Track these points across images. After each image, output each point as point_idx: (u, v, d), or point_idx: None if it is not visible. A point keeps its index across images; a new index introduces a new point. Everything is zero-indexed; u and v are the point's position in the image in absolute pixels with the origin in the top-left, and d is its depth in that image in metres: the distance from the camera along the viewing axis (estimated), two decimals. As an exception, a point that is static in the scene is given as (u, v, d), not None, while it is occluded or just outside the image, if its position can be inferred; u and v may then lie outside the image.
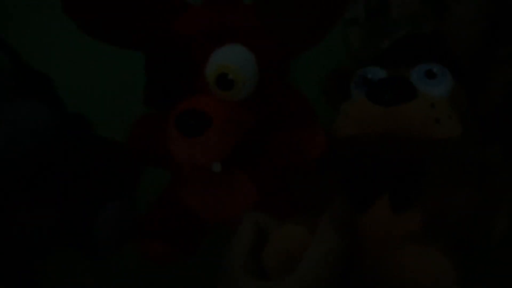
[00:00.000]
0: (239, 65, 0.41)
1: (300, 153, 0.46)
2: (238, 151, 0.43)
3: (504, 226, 0.40)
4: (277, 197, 0.46)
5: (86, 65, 0.49)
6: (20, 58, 0.43)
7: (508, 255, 0.46)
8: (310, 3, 0.42)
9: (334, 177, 0.45)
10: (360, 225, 0.41)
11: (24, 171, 0.42)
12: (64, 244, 0.45)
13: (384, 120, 0.40)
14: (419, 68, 0.42)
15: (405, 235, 0.39)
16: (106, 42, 0.44)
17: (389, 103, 0.39)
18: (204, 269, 0.44)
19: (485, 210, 0.40)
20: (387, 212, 0.40)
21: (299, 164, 0.46)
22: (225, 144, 0.41)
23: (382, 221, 0.40)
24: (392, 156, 0.41)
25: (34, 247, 0.44)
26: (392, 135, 0.40)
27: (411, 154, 0.41)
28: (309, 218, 0.39)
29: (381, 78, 0.42)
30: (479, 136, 0.43)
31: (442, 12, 0.49)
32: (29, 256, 0.45)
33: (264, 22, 0.43)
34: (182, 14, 0.44)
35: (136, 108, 0.47)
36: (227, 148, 0.41)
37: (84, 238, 0.44)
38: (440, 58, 0.43)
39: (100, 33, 0.43)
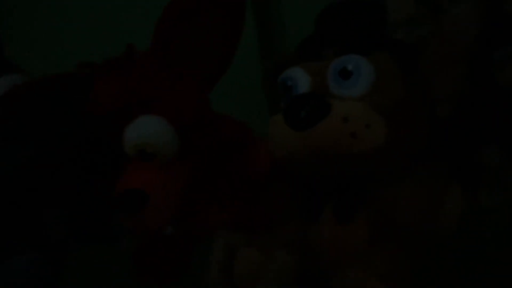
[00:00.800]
0: (154, 138, 0.42)
1: (249, 171, 0.47)
2: (194, 192, 0.45)
3: (452, 212, 0.40)
4: (243, 215, 0.47)
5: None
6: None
7: (508, 255, 0.46)
8: (207, 37, 0.43)
9: (285, 190, 0.46)
10: (311, 238, 0.42)
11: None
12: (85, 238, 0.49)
13: (302, 144, 0.39)
14: (333, 67, 0.40)
15: (352, 248, 0.40)
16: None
17: (302, 127, 0.39)
18: (203, 269, 0.44)
19: (430, 204, 0.40)
20: (334, 223, 0.41)
21: (250, 178, 0.47)
22: (167, 212, 0.43)
23: (330, 233, 0.41)
24: (320, 174, 0.41)
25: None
26: (313, 156, 0.39)
27: (335, 172, 0.40)
28: (266, 238, 0.42)
29: (294, 97, 0.41)
30: (422, 122, 0.42)
31: (438, 14, 0.49)
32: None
33: (166, 69, 0.43)
34: (91, 92, 0.44)
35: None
36: (171, 213, 0.44)
37: (103, 231, 0.49)
38: (361, 37, 0.42)
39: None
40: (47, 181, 0.47)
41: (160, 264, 0.49)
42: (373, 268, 0.40)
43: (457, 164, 0.47)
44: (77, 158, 0.46)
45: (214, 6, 0.42)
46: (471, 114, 0.45)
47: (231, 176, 0.47)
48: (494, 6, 0.46)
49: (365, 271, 0.39)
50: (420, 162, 0.42)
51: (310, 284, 0.42)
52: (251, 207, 0.47)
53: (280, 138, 0.40)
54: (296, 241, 0.42)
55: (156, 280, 0.49)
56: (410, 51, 0.42)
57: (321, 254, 0.42)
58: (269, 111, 0.61)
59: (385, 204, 0.40)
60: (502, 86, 0.46)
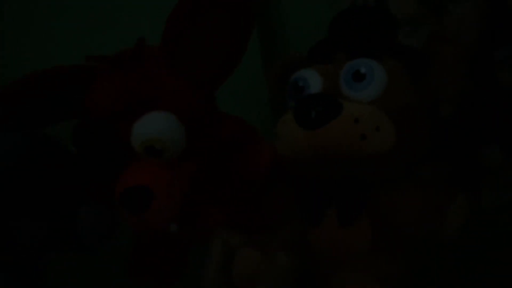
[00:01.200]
0: (163, 134, 0.41)
1: (249, 171, 0.46)
2: (195, 192, 0.44)
3: (457, 220, 0.40)
4: (243, 215, 0.47)
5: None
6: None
7: (508, 255, 0.47)
8: (216, 38, 0.43)
9: (286, 191, 0.46)
10: (312, 240, 0.42)
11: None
12: (54, 246, 0.47)
13: (311, 143, 0.39)
14: (347, 69, 0.40)
15: (354, 250, 0.40)
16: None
17: (312, 126, 0.38)
18: (203, 269, 0.44)
19: (432, 208, 0.40)
20: (336, 226, 0.41)
21: (250, 178, 0.47)
22: (170, 211, 0.43)
23: (332, 236, 0.41)
24: (326, 176, 0.41)
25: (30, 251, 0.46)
26: (321, 156, 0.39)
27: (341, 173, 0.40)
28: (266, 238, 0.42)
29: (306, 96, 0.41)
30: (427, 127, 0.42)
31: (440, 13, 0.49)
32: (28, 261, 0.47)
33: (175, 66, 0.43)
34: (91, 87, 0.44)
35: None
36: (174, 212, 0.43)
37: (69, 237, 0.47)
38: (374, 44, 0.41)
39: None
40: (24, 191, 0.45)
41: (159, 264, 0.49)
42: (373, 269, 0.40)
43: (458, 164, 0.47)
44: (77, 157, 0.46)
45: (224, 7, 0.42)
46: (472, 114, 0.45)
47: (231, 176, 0.47)
48: (495, 6, 0.47)
49: (365, 273, 0.40)
50: (422, 163, 0.42)
51: (309, 285, 0.42)
52: (251, 207, 0.47)
53: (289, 137, 0.40)
54: (296, 242, 0.42)
55: (155, 280, 0.49)
56: (419, 57, 0.42)
57: (321, 255, 0.42)
58: (270, 111, 0.61)
59: (387, 207, 0.40)
60: (503, 86, 0.46)
